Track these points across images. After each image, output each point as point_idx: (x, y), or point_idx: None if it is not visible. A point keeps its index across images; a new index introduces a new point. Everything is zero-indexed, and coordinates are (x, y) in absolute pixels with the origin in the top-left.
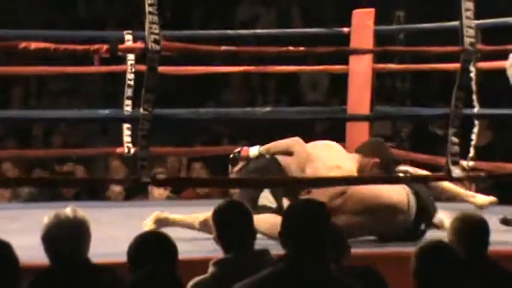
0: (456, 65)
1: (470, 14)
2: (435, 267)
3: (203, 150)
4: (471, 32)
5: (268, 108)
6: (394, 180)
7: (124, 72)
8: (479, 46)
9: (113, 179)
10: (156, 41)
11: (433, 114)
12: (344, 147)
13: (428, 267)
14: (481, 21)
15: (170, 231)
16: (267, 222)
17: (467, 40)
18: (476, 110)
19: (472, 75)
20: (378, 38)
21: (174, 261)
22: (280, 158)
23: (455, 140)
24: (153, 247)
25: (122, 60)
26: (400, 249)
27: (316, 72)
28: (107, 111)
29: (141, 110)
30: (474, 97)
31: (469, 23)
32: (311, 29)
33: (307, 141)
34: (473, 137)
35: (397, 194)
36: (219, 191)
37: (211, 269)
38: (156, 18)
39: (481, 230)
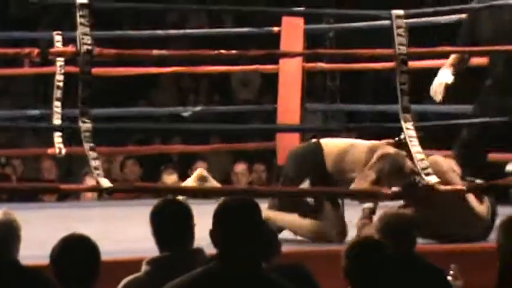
0: (385, 64)
1: (401, 31)
2: (364, 264)
3: (136, 150)
4: (403, 49)
5: (199, 108)
6: None
7: (54, 74)
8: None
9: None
10: (88, 51)
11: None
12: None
13: (357, 264)
14: (410, 20)
15: None
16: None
17: (399, 56)
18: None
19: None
20: (307, 37)
21: (95, 265)
22: None
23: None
24: (74, 250)
25: (53, 61)
26: (330, 247)
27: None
28: (37, 112)
29: (80, 123)
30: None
31: (401, 41)
32: (242, 28)
33: (239, 139)
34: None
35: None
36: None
37: (144, 268)
38: (87, 29)
39: (406, 227)
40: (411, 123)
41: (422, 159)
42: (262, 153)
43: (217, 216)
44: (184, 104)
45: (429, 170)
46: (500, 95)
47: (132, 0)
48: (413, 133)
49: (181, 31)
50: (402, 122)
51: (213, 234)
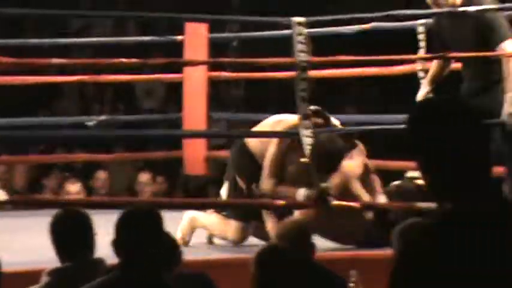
0: (288, 74)
1: (302, 38)
2: (270, 271)
3: (39, 159)
4: (304, 56)
5: (103, 117)
6: None
7: None
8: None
9: None
10: None
11: None
12: None
13: (261, 271)
14: (312, 30)
15: None
16: None
17: (300, 63)
18: None
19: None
20: (211, 45)
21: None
22: None
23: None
24: None
25: None
26: (235, 255)
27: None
28: None
29: None
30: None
31: (302, 48)
32: (145, 37)
33: (141, 149)
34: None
35: None
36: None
37: (45, 279)
38: None
39: (302, 234)
40: (310, 130)
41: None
42: (166, 163)
43: (119, 226)
44: (89, 114)
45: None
46: (475, 96)
47: (35, 7)
48: (310, 141)
49: (84, 39)
50: (300, 129)
51: (115, 243)
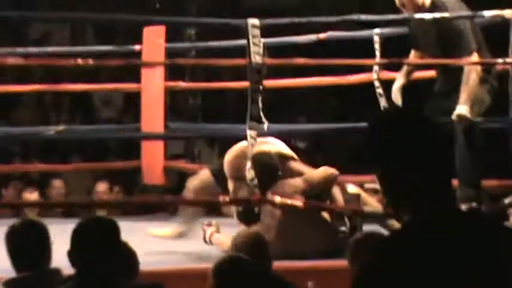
0: (244, 84)
1: (257, 40)
2: (229, 282)
3: None
4: (258, 58)
5: (62, 127)
6: None
7: None
8: (267, 60)
9: None
10: None
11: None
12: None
13: (222, 282)
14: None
15: None
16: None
17: (253, 64)
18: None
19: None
20: (169, 55)
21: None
22: None
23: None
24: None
25: None
26: (191, 265)
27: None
28: None
29: None
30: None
31: (256, 50)
32: (103, 46)
33: (98, 158)
34: None
35: None
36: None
37: None
38: None
39: (257, 245)
40: (255, 131)
41: (248, 169)
42: (123, 172)
43: (75, 236)
44: (46, 123)
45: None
46: (443, 98)
47: None
48: (254, 142)
49: (42, 48)
50: (247, 130)
51: (71, 253)
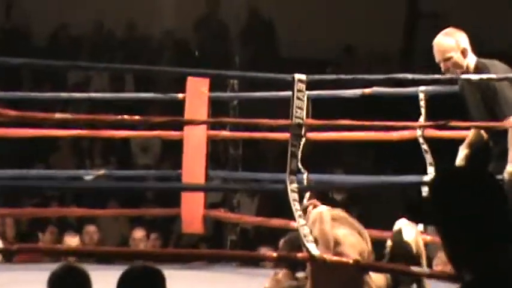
0: (286, 135)
1: (301, 95)
2: None
3: (33, 212)
4: (300, 113)
5: (102, 172)
6: None
7: None
8: (309, 121)
9: None
10: None
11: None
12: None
13: None
14: (314, 92)
15: None
16: None
17: (295, 120)
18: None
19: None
20: (212, 104)
21: None
22: None
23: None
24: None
25: None
26: None
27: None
28: None
29: None
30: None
31: (300, 104)
32: (146, 93)
33: (135, 205)
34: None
35: None
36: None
37: None
38: None
39: None
40: (296, 185)
41: (303, 225)
42: (159, 219)
43: (120, 284)
44: (81, 168)
45: (310, 238)
46: (495, 160)
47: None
48: (296, 196)
49: (84, 94)
50: (288, 184)
51: None
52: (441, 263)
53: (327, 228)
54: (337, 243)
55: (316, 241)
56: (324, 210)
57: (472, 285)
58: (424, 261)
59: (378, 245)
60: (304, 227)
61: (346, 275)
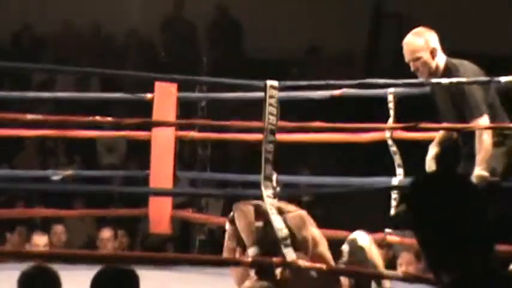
0: (256, 136)
1: (273, 101)
2: None
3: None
4: (273, 119)
5: (69, 172)
6: None
7: None
8: (281, 123)
9: None
10: None
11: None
12: None
13: None
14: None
15: None
16: None
17: (269, 126)
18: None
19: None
20: (180, 104)
21: None
22: None
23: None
24: None
25: None
26: None
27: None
28: None
29: None
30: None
31: (272, 110)
32: (112, 93)
33: (102, 205)
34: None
35: None
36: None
37: None
38: None
39: None
40: (271, 191)
41: (281, 229)
42: (125, 219)
43: (94, 285)
44: (46, 167)
45: (288, 242)
46: (464, 161)
47: None
48: (272, 201)
49: (50, 94)
50: (263, 189)
51: None
52: (404, 262)
53: (308, 234)
54: (315, 243)
55: (298, 244)
56: (303, 213)
57: (449, 286)
58: (379, 267)
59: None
60: (282, 230)
61: (320, 276)
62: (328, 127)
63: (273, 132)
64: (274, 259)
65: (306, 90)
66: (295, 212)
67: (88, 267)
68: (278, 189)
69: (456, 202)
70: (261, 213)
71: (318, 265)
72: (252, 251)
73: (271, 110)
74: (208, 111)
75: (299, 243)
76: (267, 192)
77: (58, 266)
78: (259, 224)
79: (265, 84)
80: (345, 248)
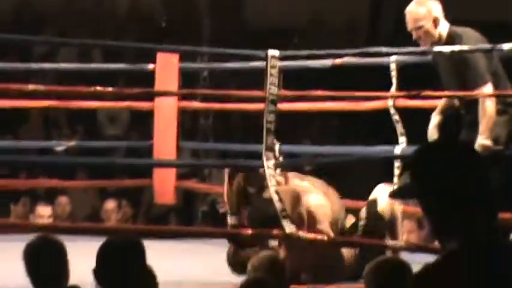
0: (257, 106)
1: (274, 71)
2: None
3: (3, 184)
4: (274, 89)
5: (73, 142)
6: None
7: None
8: (282, 92)
9: None
10: None
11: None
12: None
13: None
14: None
15: None
16: None
17: (270, 97)
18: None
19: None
20: (182, 74)
21: None
22: None
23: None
24: None
25: None
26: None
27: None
28: None
29: None
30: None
31: (273, 80)
32: (114, 64)
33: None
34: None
35: None
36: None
37: None
38: None
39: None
40: (273, 161)
41: (278, 200)
42: (128, 190)
43: (100, 255)
44: (49, 138)
45: (284, 213)
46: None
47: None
48: (273, 172)
49: (52, 65)
50: (264, 160)
51: (97, 272)
52: (406, 230)
53: (303, 211)
54: (311, 217)
55: (292, 220)
56: (297, 187)
57: (454, 253)
58: (399, 229)
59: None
60: (279, 202)
61: (320, 247)
62: (329, 95)
63: (274, 102)
64: (275, 231)
65: (307, 59)
66: (288, 187)
67: (94, 238)
68: (281, 159)
69: (459, 170)
70: (257, 180)
71: (318, 236)
72: (231, 219)
73: (272, 80)
74: (210, 81)
75: (292, 220)
76: (268, 163)
77: (63, 236)
78: (252, 189)
79: (267, 54)
80: (363, 213)
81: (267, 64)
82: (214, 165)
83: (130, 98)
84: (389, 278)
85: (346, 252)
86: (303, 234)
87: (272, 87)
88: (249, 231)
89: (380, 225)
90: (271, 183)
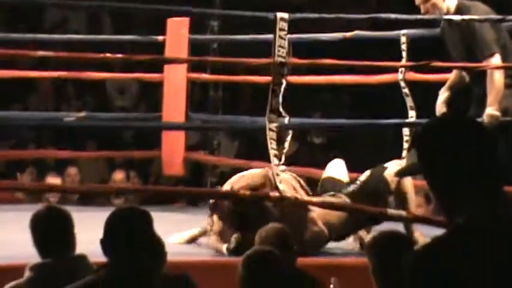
0: (266, 78)
1: (283, 34)
2: (259, 274)
3: (12, 154)
4: (282, 51)
5: (83, 114)
6: None
7: None
8: (291, 60)
9: None
10: None
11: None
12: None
13: (251, 274)
14: (293, 35)
15: None
16: None
17: (278, 59)
18: (286, 120)
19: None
20: (192, 47)
21: None
22: None
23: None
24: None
25: None
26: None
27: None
28: None
29: None
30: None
31: (282, 43)
32: (124, 36)
33: (114, 147)
34: (286, 145)
35: None
36: (29, 196)
37: (27, 274)
38: None
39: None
40: (275, 124)
41: (277, 165)
42: (137, 161)
43: (108, 225)
44: (58, 109)
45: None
46: (476, 102)
47: None
48: (274, 135)
49: (61, 36)
50: (267, 122)
51: (105, 242)
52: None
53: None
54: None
55: None
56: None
57: (461, 227)
58: (411, 204)
59: None
60: (276, 167)
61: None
62: (339, 64)
63: (282, 65)
64: (272, 194)
65: (316, 24)
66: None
67: (100, 209)
68: (286, 120)
69: (467, 145)
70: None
71: (314, 199)
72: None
73: (281, 43)
74: (220, 55)
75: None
76: (270, 125)
77: (70, 207)
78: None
79: (275, 16)
80: (367, 172)
81: (275, 26)
82: (216, 128)
83: (139, 67)
84: (391, 250)
85: (328, 217)
86: (300, 196)
87: (280, 49)
88: (247, 193)
89: (381, 188)
90: (271, 145)
